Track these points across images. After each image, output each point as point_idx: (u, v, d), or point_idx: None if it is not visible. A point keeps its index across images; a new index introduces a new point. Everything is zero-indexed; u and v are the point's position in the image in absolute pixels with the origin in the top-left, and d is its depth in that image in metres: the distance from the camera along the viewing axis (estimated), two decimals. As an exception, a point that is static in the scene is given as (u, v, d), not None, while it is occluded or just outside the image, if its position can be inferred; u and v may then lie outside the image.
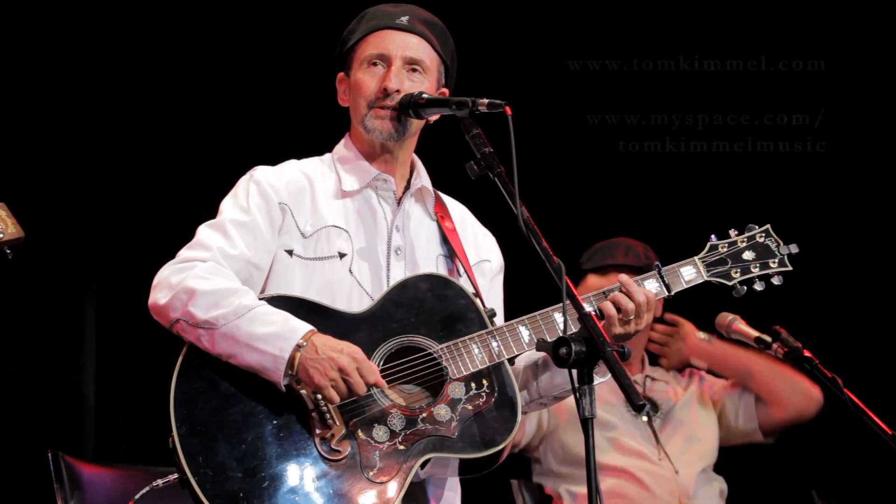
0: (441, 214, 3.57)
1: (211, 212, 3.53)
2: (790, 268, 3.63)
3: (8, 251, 3.34)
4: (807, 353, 4.05)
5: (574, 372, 2.96)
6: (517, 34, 6.15)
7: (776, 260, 3.64)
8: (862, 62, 6.22)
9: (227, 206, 3.45)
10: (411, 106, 3.41)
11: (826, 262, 5.85)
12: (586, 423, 2.93)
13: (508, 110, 3.19)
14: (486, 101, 3.26)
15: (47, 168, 5.52)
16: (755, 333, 4.23)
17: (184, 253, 3.36)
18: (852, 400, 3.88)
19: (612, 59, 6.27)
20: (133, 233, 5.62)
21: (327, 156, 3.60)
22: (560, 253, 3.20)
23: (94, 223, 5.59)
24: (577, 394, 2.95)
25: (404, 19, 3.48)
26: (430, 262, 3.51)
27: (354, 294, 3.39)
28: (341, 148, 3.58)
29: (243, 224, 3.38)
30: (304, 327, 3.19)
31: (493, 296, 3.62)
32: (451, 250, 3.53)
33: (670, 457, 4.89)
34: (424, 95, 3.41)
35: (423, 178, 3.58)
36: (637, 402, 2.87)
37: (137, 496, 3.26)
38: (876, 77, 6.21)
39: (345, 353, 3.15)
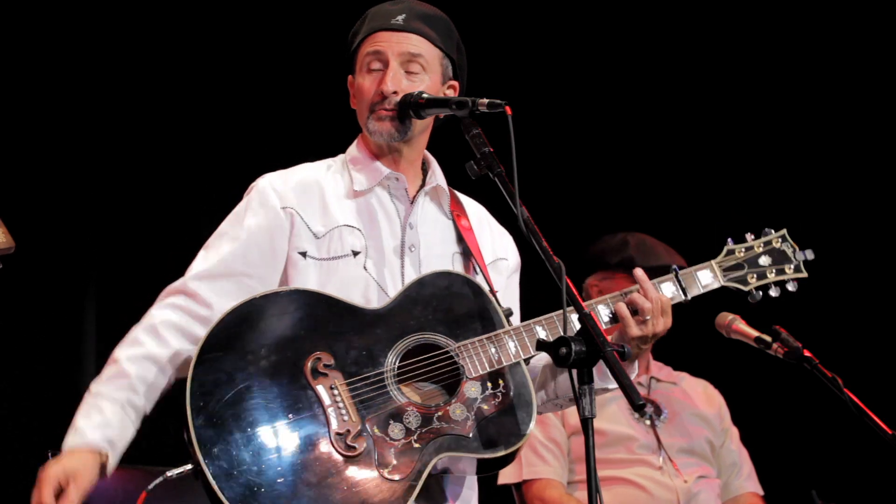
0: (457, 213, 3.57)
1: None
2: (805, 274, 3.63)
3: None
4: (807, 353, 4.05)
5: (574, 372, 2.96)
6: (517, 33, 6.15)
7: (792, 266, 3.64)
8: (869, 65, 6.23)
9: (225, 224, 3.48)
10: (411, 106, 3.41)
11: (826, 263, 5.85)
12: (586, 423, 2.93)
13: (508, 110, 3.19)
14: (485, 100, 3.26)
15: (48, 167, 5.53)
16: (755, 333, 4.22)
17: (165, 296, 3.44)
18: (852, 400, 3.88)
19: (613, 57, 6.28)
20: (133, 232, 5.62)
21: (340, 157, 3.61)
22: (560, 253, 3.21)
23: (95, 222, 5.59)
24: (578, 393, 2.95)
25: (400, 18, 3.47)
26: (446, 259, 3.50)
27: (371, 290, 3.39)
28: (353, 149, 3.59)
29: (236, 243, 3.42)
30: (70, 441, 3.27)
31: (509, 294, 3.61)
32: (467, 249, 3.52)
33: (674, 461, 4.89)
34: (424, 95, 3.41)
35: (437, 176, 3.57)
36: (637, 402, 2.88)
37: (150, 486, 3.25)
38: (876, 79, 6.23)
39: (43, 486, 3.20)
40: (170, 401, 3.31)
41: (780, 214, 3.72)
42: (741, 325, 4.28)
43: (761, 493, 5.12)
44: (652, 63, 6.29)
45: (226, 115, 5.72)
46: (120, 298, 5.63)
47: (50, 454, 4.04)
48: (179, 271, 5.64)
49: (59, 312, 5.53)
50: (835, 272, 6.08)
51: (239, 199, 3.54)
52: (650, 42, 6.27)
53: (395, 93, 3.42)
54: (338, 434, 3.17)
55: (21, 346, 5.41)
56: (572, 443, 4.90)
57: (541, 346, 3.03)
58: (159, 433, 3.29)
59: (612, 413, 4.91)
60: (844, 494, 5.34)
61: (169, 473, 3.21)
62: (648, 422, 4.96)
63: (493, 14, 5.96)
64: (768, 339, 4.15)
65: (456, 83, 3.57)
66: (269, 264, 3.41)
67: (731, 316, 4.32)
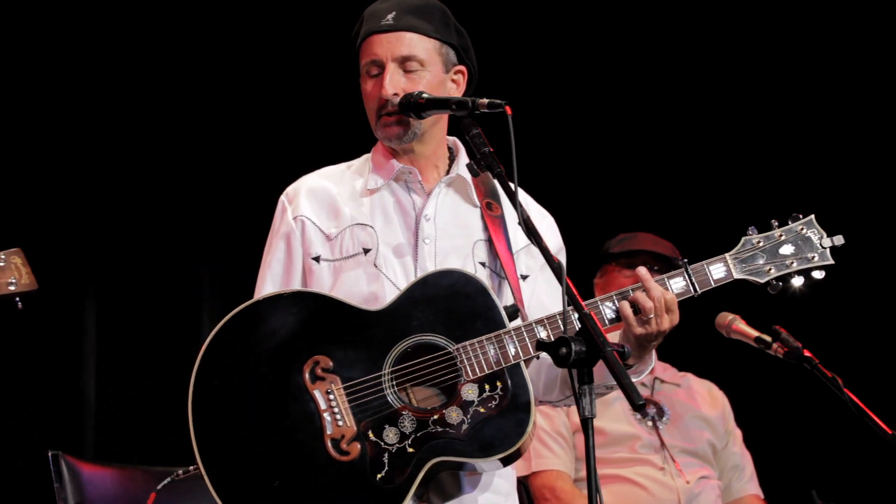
0: (487, 201, 3.53)
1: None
2: (832, 262, 3.44)
3: (17, 300, 3.37)
4: (807, 353, 4.04)
5: (574, 372, 2.95)
6: (517, 33, 6.15)
7: (816, 254, 3.44)
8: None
9: (266, 250, 3.56)
10: (411, 107, 3.40)
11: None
12: (586, 423, 2.93)
13: (508, 110, 3.18)
14: (485, 101, 3.25)
15: (48, 168, 5.53)
16: (755, 333, 4.22)
17: None
18: (852, 400, 3.87)
19: (614, 56, 6.28)
20: (133, 233, 5.62)
21: (365, 156, 3.61)
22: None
23: (95, 223, 5.59)
24: (577, 393, 2.94)
25: (390, 17, 3.44)
26: (466, 250, 3.46)
27: (382, 286, 3.38)
28: (376, 146, 3.60)
29: (274, 271, 3.50)
30: None
31: (544, 279, 3.54)
32: (491, 237, 3.48)
33: (676, 461, 4.90)
34: (424, 95, 3.39)
35: (460, 166, 3.53)
36: (637, 402, 2.87)
37: (159, 486, 3.28)
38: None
39: None
40: (170, 402, 3.31)
41: (781, 214, 3.69)
42: (741, 325, 4.28)
43: (762, 495, 5.13)
44: (653, 62, 6.28)
45: (225, 117, 5.72)
46: (120, 298, 5.64)
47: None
48: (178, 272, 5.67)
49: (59, 312, 5.53)
50: (834, 272, 6.08)
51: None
52: (652, 41, 6.27)
53: (395, 94, 3.41)
54: (332, 439, 3.18)
55: (21, 346, 5.41)
56: (576, 440, 4.92)
57: (540, 346, 3.02)
58: (159, 433, 3.29)
59: (615, 413, 4.91)
60: (844, 494, 5.35)
61: (176, 473, 3.23)
62: (650, 423, 4.97)
63: (492, 14, 5.96)
64: (768, 339, 4.15)
65: (463, 67, 3.53)
66: (291, 272, 3.47)
67: (730, 316, 4.32)
